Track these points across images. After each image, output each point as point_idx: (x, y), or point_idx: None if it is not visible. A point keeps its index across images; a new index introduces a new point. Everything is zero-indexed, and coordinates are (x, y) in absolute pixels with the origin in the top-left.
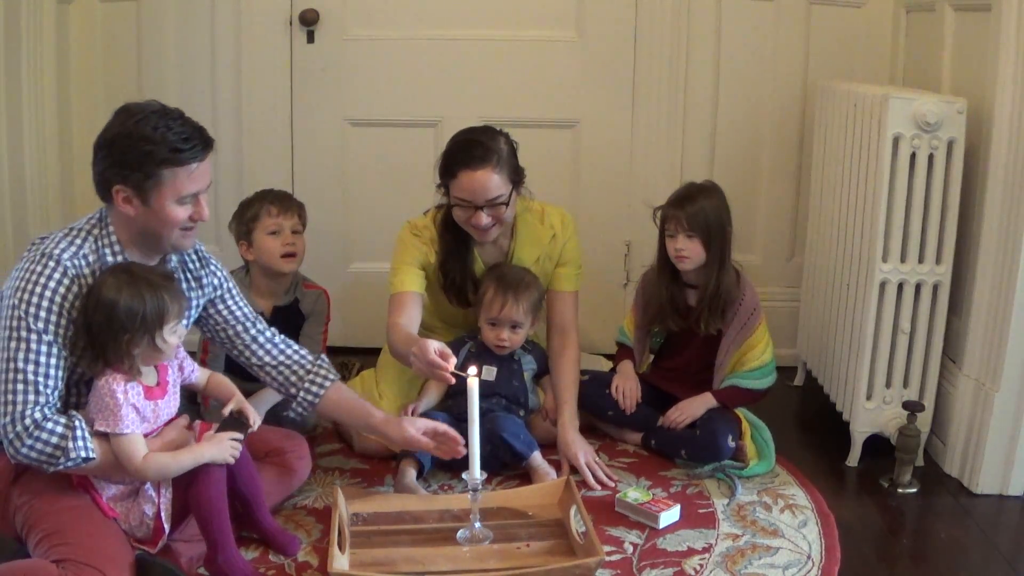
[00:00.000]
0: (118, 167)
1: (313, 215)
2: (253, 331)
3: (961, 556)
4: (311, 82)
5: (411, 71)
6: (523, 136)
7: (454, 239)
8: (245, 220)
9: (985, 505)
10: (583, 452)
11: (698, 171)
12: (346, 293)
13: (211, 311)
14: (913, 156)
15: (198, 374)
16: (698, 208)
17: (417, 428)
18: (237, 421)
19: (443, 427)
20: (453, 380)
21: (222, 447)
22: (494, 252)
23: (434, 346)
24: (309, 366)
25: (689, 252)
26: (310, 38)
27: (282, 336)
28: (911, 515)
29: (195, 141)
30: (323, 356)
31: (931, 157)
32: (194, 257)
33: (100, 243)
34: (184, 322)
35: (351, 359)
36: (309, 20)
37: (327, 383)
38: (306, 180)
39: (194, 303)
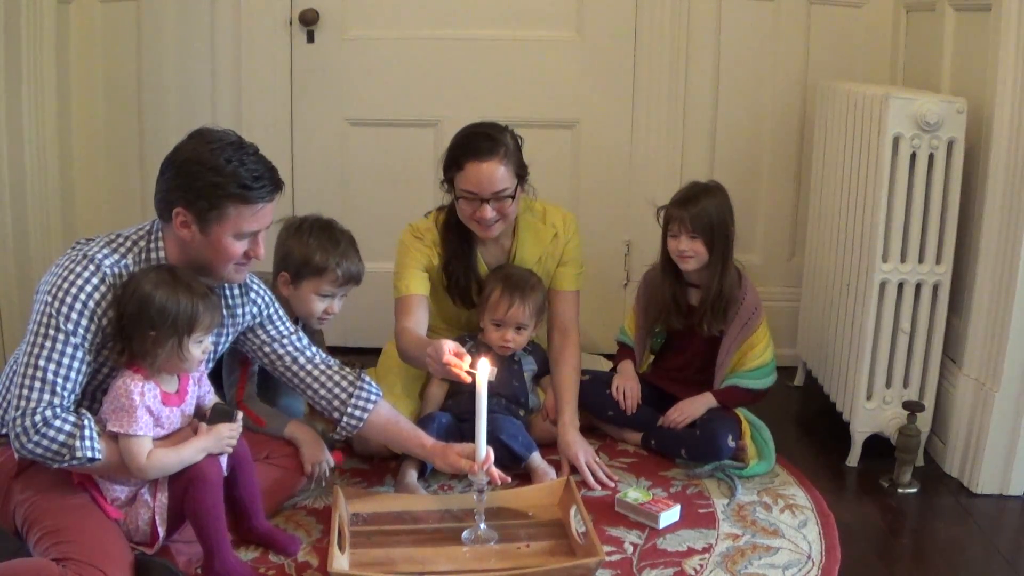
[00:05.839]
0: (183, 191)
1: None
2: (294, 351)
3: (961, 556)
4: (311, 82)
5: (411, 71)
6: (523, 136)
7: (457, 240)
8: (304, 263)
9: (985, 505)
10: (583, 452)
11: (698, 171)
12: None
13: (250, 335)
14: (913, 156)
15: (211, 397)
16: (701, 209)
17: (458, 452)
18: (224, 412)
19: (488, 458)
20: (469, 379)
21: (219, 438)
22: (497, 252)
23: (449, 346)
24: (351, 388)
25: (692, 252)
26: (310, 38)
27: (323, 355)
28: (911, 515)
29: (266, 181)
30: (364, 375)
31: (931, 157)
32: (235, 287)
33: (145, 256)
34: (212, 338)
35: (351, 359)
36: (309, 20)
37: (370, 405)
38: (306, 180)
39: (224, 336)
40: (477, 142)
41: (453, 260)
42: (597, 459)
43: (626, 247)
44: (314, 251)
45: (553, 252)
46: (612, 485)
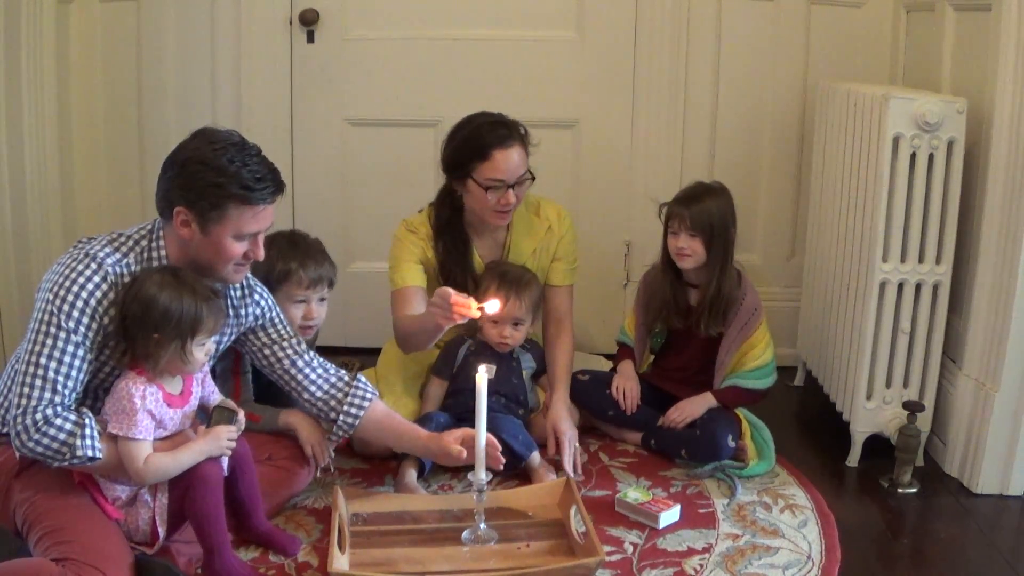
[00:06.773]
0: (185, 190)
1: (313, 215)
2: (293, 355)
3: (961, 556)
4: (311, 82)
5: (411, 71)
6: None
7: (452, 238)
8: (268, 273)
9: (985, 505)
10: (569, 430)
11: (698, 171)
12: (346, 293)
13: (251, 336)
14: (913, 156)
15: (216, 397)
16: (702, 208)
17: (454, 438)
18: (226, 413)
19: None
20: (479, 314)
21: (218, 440)
22: (491, 245)
23: (452, 290)
24: (346, 388)
25: (690, 251)
26: (310, 38)
27: (320, 359)
28: (911, 515)
29: (267, 183)
30: (360, 376)
31: (931, 157)
32: (238, 288)
33: (147, 255)
34: (215, 338)
35: (351, 359)
36: (309, 20)
37: (366, 403)
38: (306, 180)
39: (226, 334)
40: (497, 130)
41: (449, 258)
42: (578, 445)
43: (626, 247)
44: (275, 260)
45: (547, 246)
46: (579, 476)
